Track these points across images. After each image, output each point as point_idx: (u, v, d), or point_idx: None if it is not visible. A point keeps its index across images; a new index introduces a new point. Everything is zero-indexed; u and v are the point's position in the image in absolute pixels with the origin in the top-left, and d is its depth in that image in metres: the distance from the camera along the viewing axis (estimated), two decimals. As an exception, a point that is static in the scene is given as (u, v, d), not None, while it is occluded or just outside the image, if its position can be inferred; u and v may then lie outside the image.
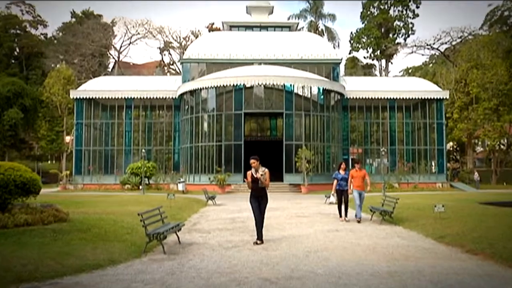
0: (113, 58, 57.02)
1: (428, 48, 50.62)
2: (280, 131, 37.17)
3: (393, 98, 33.81)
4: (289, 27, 38.69)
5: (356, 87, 34.44)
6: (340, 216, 12.02)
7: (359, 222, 11.40)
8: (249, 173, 8.29)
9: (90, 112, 34.45)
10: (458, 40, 47.64)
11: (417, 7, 54.74)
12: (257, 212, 8.23)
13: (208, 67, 34.41)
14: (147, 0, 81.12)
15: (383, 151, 26.87)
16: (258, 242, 8.19)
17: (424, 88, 34.24)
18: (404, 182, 31.61)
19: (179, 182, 27.66)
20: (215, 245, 8.39)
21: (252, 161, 8.28)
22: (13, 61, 54.90)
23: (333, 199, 12.05)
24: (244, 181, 8.88)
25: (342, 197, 11.97)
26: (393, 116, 35.52)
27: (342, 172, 11.93)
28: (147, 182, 29.42)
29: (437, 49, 50.57)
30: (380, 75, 55.04)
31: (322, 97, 32.20)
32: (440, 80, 40.40)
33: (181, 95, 32.83)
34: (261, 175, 8.13)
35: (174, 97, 33.60)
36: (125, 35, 54.46)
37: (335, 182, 11.98)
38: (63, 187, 31.49)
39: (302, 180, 28.38)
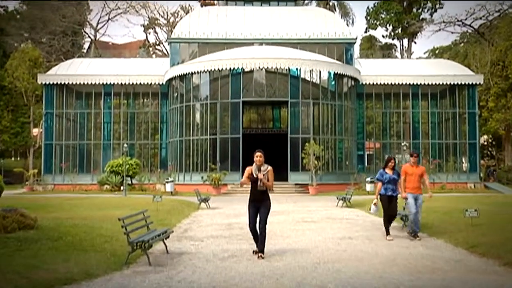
0: (89, 37, 56.91)
1: (459, 25, 50.48)
2: (285, 123, 37.16)
3: (417, 84, 33.74)
4: (294, 2, 38.51)
5: (373, 71, 34.37)
6: (387, 232, 10.08)
7: (416, 238, 9.74)
8: (248, 169, 7.92)
9: (62, 100, 34.40)
10: (496, 15, 47.38)
11: (446, -23, 54.58)
12: (252, 218, 7.87)
13: (201, 48, 34.32)
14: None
15: (404, 146, 26.88)
16: (256, 250, 7.97)
17: (453, 72, 34.17)
18: (430, 182, 31.54)
19: (167, 182, 27.68)
20: (209, 254, 8.39)
21: (258, 154, 7.83)
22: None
23: (375, 209, 10.08)
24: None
25: (390, 206, 9.94)
26: (416, 105, 35.47)
27: (389, 171, 9.97)
28: (130, 182, 29.44)
29: (469, 25, 50.41)
30: (402, 57, 54.91)
31: (333, 83, 32.10)
32: (473, 63, 40.29)
33: (169, 80, 32.76)
34: (263, 174, 7.73)
35: (161, 83, 33.56)
36: (102, 10, 54.65)
37: (379, 185, 10.01)
38: (30, 188, 31.51)
39: (309, 180, 28.41)
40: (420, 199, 10.03)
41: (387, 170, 10.01)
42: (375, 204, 10.07)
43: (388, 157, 10.31)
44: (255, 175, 7.80)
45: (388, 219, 10.04)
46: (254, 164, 7.89)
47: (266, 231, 7.97)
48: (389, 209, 9.91)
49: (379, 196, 10.00)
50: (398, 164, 35.15)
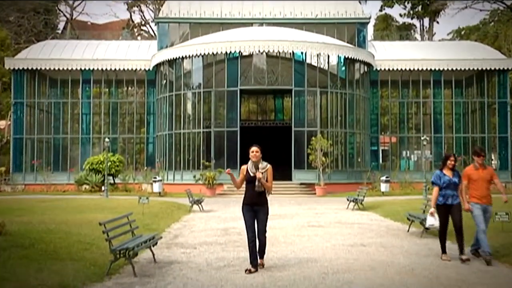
0: (64, 15, 56.72)
1: (488, 1, 50.29)
2: (288, 114, 37.12)
3: (439, 70, 33.69)
4: (300, -25, 38.37)
5: (388, 55, 34.32)
6: (443, 250, 8.84)
7: (488, 261, 8.25)
8: (243, 168, 7.81)
9: (34, 88, 34.34)
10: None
11: None
12: (251, 227, 7.74)
13: (193, 29, 34.21)
14: None
15: (424, 141, 26.82)
16: (252, 269, 7.61)
17: (481, 56, 34.12)
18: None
19: (155, 182, 27.66)
20: (202, 264, 8.40)
21: (254, 149, 7.72)
22: None
23: (434, 221, 8.84)
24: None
25: (449, 218, 8.73)
26: (438, 94, 35.43)
27: (448, 172, 8.79)
28: (112, 182, 29.44)
29: (501, 1, 50.19)
30: (422, 39, 54.77)
31: (343, 68, 32.02)
32: (505, 45, 40.23)
33: (157, 66, 32.68)
34: (262, 173, 7.60)
35: (147, 68, 33.49)
36: (80, -15, 54.15)
37: (435, 190, 8.76)
38: (-3, 189, 31.54)
39: (316, 179, 28.42)
40: (489, 211, 8.76)
41: (445, 171, 8.80)
42: (432, 214, 8.89)
43: (446, 154, 9.19)
44: (251, 174, 7.68)
45: (457, 234, 8.63)
46: (249, 161, 7.80)
47: (266, 239, 7.87)
48: (453, 220, 8.65)
49: (435, 205, 8.81)
50: (417, 161, 35.22)
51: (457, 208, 8.64)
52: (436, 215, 8.82)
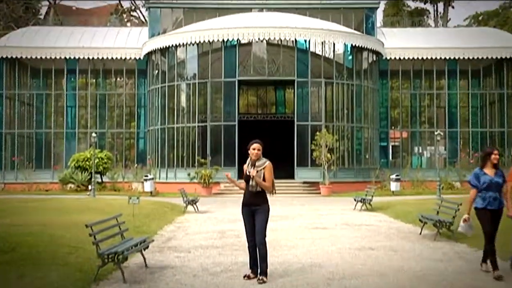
0: None
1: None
2: (290, 107, 37.06)
3: (454, 59, 33.66)
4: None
5: (399, 42, 34.26)
6: (484, 260, 8.10)
7: None
8: (245, 168, 7.76)
9: (14, 78, 34.31)
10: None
11: None
12: (249, 230, 7.65)
13: (187, 15, 34.15)
14: None
15: (438, 136, 26.82)
16: (251, 275, 7.58)
17: (501, 43, 34.06)
18: (467, 181, 31.57)
19: (146, 180, 27.69)
20: (197, 269, 8.41)
21: (255, 146, 7.56)
22: None
23: (467, 228, 8.19)
24: (241, 177, 8.08)
25: (494, 224, 7.93)
26: (453, 85, 35.41)
27: (489, 171, 7.97)
28: (100, 180, 29.46)
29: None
30: (436, 26, 54.70)
31: (350, 57, 31.97)
32: (526, 32, 40.09)
33: (148, 54, 32.64)
34: (258, 171, 7.45)
35: (137, 57, 33.47)
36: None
37: (472, 193, 8.06)
38: (-26, 189, 31.54)
39: (321, 177, 28.44)
40: None
41: (486, 170, 7.93)
42: (465, 220, 8.12)
43: (488, 149, 8.22)
44: (248, 172, 7.59)
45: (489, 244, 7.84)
46: (248, 158, 7.71)
47: (266, 243, 7.57)
48: (493, 227, 7.89)
49: (475, 209, 7.99)
50: (430, 158, 35.21)
51: (499, 214, 7.88)
52: (471, 222, 8.14)
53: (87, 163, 28.65)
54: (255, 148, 7.58)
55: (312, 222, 15.06)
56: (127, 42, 34.30)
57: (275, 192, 7.74)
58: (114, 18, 54.01)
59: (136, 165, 32.36)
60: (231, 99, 30.42)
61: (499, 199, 7.84)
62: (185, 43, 30.25)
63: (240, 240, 11.18)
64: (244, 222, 7.72)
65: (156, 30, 34.38)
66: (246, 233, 7.74)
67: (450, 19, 57.05)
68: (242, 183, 7.77)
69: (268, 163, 7.60)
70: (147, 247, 8.83)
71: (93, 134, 27.23)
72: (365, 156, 32.10)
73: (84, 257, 8.81)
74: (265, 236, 7.58)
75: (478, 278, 7.69)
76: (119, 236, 8.90)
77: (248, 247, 7.72)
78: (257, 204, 7.58)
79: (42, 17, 56.24)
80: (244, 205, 7.71)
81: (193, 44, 30.28)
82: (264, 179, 7.51)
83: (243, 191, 7.78)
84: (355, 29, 33.18)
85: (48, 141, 34.52)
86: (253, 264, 7.68)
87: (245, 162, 7.81)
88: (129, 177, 30.86)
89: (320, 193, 27.65)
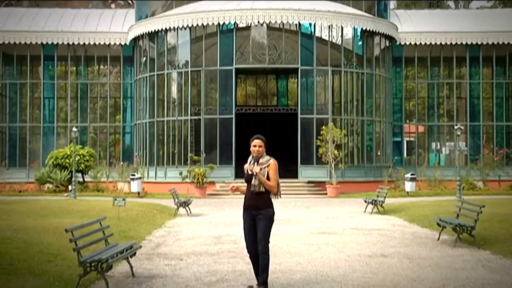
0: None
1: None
2: (293, 99, 37.05)
3: (477, 44, 33.62)
4: None
5: (415, 26, 34.20)
6: None
7: None
8: (246, 168, 7.58)
9: (-15, 66, 34.28)
10: None
11: None
12: (249, 237, 7.52)
13: (178, -5, 34.11)
14: None
15: (458, 130, 26.81)
16: (255, 287, 7.51)
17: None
18: (494, 179, 31.62)
19: (133, 180, 27.64)
20: (190, 278, 8.38)
21: (256, 142, 7.46)
22: None
23: None
24: (238, 177, 7.93)
25: None
26: (476, 74, 35.36)
27: None
28: (81, 180, 29.43)
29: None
30: (456, 7, 54.53)
31: (360, 43, 31.90)
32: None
33: (135, 40, 32.58)
34: (261, 169, 7.33)
35: (123, 43, 33.39)
36: None
37: None
38: None
39: (327, 176, 28.43)
40: None
41: None
42: None
43: None
44: (249, 171, 7.45)
45: None
46: (250, 156, 7.59)
47: (269, 252, 7.47)
48: None
49: None
50: (449, 155, 35.17)
51: None
52: None
53: (67, 160, 28.59)
54: (255, 145, 7.47)
55: (318, 226, 15.05)
56: (111, 26, 34.16)
57: (280, 196, 7.57)
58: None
59: (121, 163, 32.31)
60: (228, 90, 30.37)
61: None
62: (176, 27, 30.17)
63: (237, 247, 11.18)
64: (244, 228, 7.56)
65: (143, 12, 34.24)
66: (246, 241, 7.58)
67: None
68: (243, 186, 7.62)
69: (272, 160, 7.48)
70: (134, 254, 8.80)
71: (74, 129, 27.10)
72: (377, 153, 32.08)
73: (64, 265, 8.80)
74: (268, 243, 7.47)
75: (502, 288, 7.71)
76: (103, 242, 8.88)
77: (249, 256, 7.60)
78: (260, 208, 7.41)
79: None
80: (245, 208, 7.55)
81: (185, 28, 30.22)
82: (267, 178, 7.38)
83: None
84: (365, 12, 33.03)
85: (23, 137, 34.47)
86: (257, 273, 7.55)
87: (244, 159, 7.75)
88: (114, 176, 30.83)
89: (326, 194, 27.62)
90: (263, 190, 7.37)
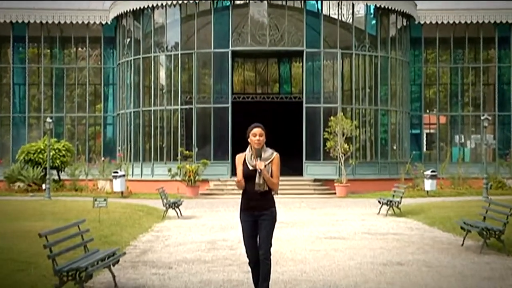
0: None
1: None
2: (298, 85, 36.98)
3: (507, 23, 33.54)
4: None
5: (436, 3, 34.09)
6: None
7: None
8: (240, 157, 7.39)
9: None
10: None
11: None
12: (250, 242, 7.45)
13: (166, -33, 34.03)
14: None
15: (485, 121, 26.81)
16: None
17: None
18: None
19: (115, 177, 27.66)
20: (180, 290, 8.38)
21: (256, 131, 7.29)
22: None
23: None
24: (235, 174, 7.82)
25: None
26: (506, 56, 35.33)
27: None
28: (57, 177, 29.45)
29: None
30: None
31: (373, 22, 31.89)
32: None
33: (117, 18, 32.62)
34: (265, 165, 7.22)
35: (104, 22, 33.34)
36: None
37: None
38: None
39: (336, 173, 28.46)
40: None
41: None
42: None
43: None
44: (251, 166, 7.31)
45: None
46: (248, 147, 7.44)
47: (271, 258, 7.37)
48: None
49: None
50: (475, 149, 35.17)
51: None
52: None
53: (41, 155, 28.57)
54: (256, 134, 7.30)
55: (325, 230, 15.03)
56: (90, 3, 34.03)
57: (277, 192, 7.50)
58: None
59: (102, 158, 32.33)
60: (223, 75, 30.39)
61: None
62: (164, 4, 30.10)
63: (234, 253, 11.18)
64: (243, 232, 7.44)
65: (127, -13, 34.23)
66: (246, 246, 7.47)
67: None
68: (240, 181, 7.39)
69: (276, 154, 7.39)
70: (117, 261, 8.77)
71: (48, 120, 27.10)
72: (392, 147, 32.11)
73: (37, 274, 8.77)
74: (270, 246, 7.39)
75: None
76: (82, 248, 8.85)
77: (249, 262, 7.50)
78: (264, 209, 7.33)
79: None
80: (246, 210, 7.41)
81: (174, 5, 30.14)
82: (270, 174, 7.30)
83: (238, 191, 7.58)
84: (379, -14, 33.08)
85: (-10, 129, 34.53)
86: (257, 282, 7.53)
87: (240, 153, 7.54)
88: (94, 173, 30.83)
89: (335, 193, 27.67)
90: (267, 188, 7.29)
